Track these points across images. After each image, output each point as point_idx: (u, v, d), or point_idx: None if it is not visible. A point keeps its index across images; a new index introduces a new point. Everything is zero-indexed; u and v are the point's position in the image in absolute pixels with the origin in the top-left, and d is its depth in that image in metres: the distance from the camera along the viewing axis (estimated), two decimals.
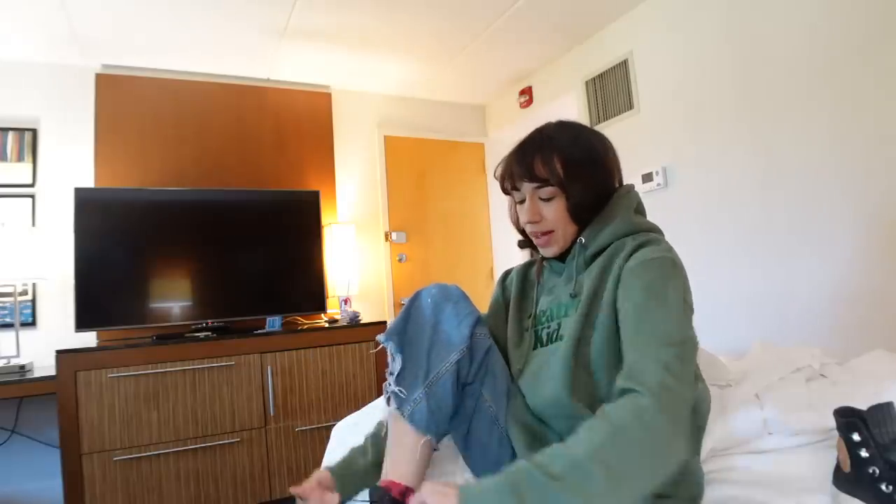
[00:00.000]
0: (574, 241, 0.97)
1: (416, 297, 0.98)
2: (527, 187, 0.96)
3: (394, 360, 0.93)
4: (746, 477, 0.91)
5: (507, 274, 1.17)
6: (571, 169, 0.93)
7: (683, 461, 0.76)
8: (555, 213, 0.95)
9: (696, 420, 0.92)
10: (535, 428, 0.92)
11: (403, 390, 0.90)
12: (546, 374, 0.91)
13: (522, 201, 0.98)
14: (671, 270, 0.87)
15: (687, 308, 0.85)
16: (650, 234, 0.93)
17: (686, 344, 0.79)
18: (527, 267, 1.14)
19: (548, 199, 0.95)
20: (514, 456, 0.91)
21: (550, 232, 0.96)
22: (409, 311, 0.96)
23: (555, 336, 0.95)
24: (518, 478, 0.65)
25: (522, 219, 0.99)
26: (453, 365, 0.90)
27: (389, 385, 0.92)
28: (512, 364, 1.02)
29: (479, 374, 0.94)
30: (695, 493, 0.86)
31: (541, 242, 0.98)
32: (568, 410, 0.86)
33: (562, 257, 1.01)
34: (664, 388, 0.72)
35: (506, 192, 1.02)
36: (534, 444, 0.89)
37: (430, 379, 0.89)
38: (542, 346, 0.98)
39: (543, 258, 1.06)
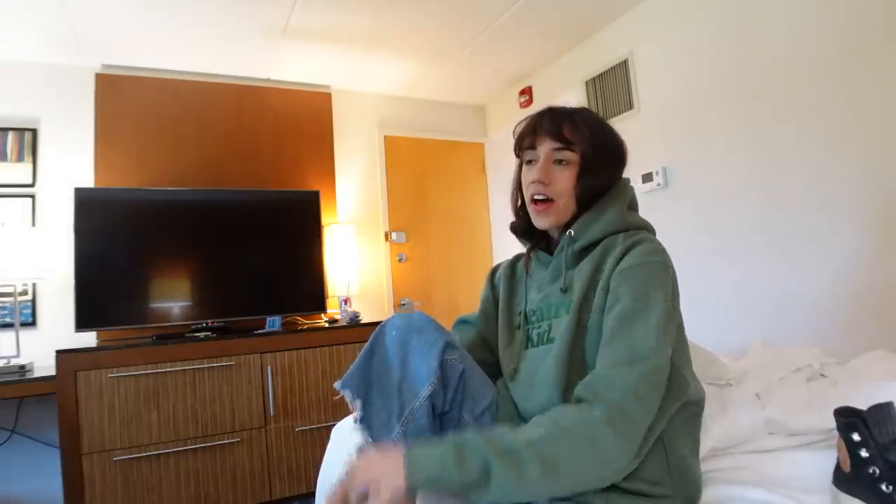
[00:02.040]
0: (567, 223, 0.95)
1: (379, 332, 0.96)
2: (546, 146, 0.94)
3: (353, 406, 0.91)
4: (747, 476, 0.91)
5: (495, 271, 1.16)
6: (597, 145, 0.93)
7: (629, 470, 0.76)
8: (565, 181, 0.93)
9: (694, 420, 0.91)
10: None
11: (377, 433, 0.88)
12: (540, 380, 0.90)
13: (532, 162, 0.96)
14: (661, 275, 0.85)
15: (672, 318, 0.83)
16: (641, 233, 0.91)
17: (659, 369, 0.79)
18: (514, 262, 1.12)
19: (562, 164, 0.93)
20: None
21: (552, 201, 0.94)
22: (374, 349, 0.94)
23: (545, 337, 0.94)
24: (464, 446, 0.69)
25: (530, 177, 0.95)
26: (426, 399, 0.87)
27: (360, 429, 0.90)
28: (504, 365, 1.01)
29: (455, 401, 0.91)
30: (692, 493, 0.86)
31: (539, 209, 0.95)
32: None
33: (550, 249, 1.00)
34: (621, 411, 0.73)
35: (519, 150, 0.99)
36: None
37: (405, 416, 0.87)
38: (532, 346, 0.97)
39: (531, 249, 1.04)
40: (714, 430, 1.02)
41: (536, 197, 0.95)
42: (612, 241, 0.91)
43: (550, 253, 1.00)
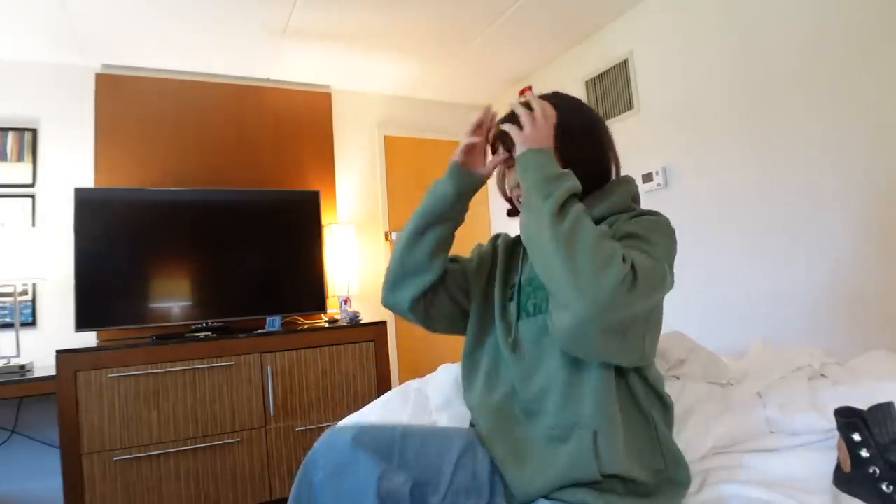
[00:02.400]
0: None
1: (304, 475, 0.88)
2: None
3: None
4: (748, 475, 0.91)
5: (498, 236, 1.17)
6: (568, 132, 0.94)
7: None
8: None
9: (669, 409, 0.94)
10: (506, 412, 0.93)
11: None
12: (548, 351, 0.90)
13: (512, 165, 0.98)
14: (667, 230, 0.89)
15: (670, 267, 0.87)
16: (649, 211, 0.95)
17: (667, 274, 0.84)
18: (516, 239, 1.12)
19: None
20: None
21: None
22: (300, 498, 0.85)
23: (544, 306, 0.94)
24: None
25: (510, 182, 0.99)
26: None
27: None
28: (500, 336, 1.01)
29: None
30: (686, 476, 0.88)
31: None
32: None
33: None
34: (640, 268, 0.78)
35: (494, 151, 1.04)
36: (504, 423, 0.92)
37: None
38: (528, 316, 0.96)
39: None
40: (715, 429, 1.02)
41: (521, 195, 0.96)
42: (616, 219, 0.93)
43: None
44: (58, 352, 2.08)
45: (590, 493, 0.79)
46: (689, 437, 1.05)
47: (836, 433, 0.98)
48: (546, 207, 0.81)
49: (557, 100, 0.99)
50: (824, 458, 0.94)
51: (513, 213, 1.08)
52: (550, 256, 0.79)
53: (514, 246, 1.11)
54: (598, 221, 0.93)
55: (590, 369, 0.85)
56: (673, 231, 0.90)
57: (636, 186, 1.01)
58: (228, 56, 2.82)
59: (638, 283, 0.76)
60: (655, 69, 2.55)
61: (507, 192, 1.06)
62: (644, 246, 0.83)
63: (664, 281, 0.83)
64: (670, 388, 1.21)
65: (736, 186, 2.20)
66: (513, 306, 1.01)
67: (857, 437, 0.83)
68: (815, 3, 1.89)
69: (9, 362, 2.20)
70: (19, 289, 2.42)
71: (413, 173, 3.51)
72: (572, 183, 0.85)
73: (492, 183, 1.13)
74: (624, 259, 0.77)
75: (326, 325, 2.74)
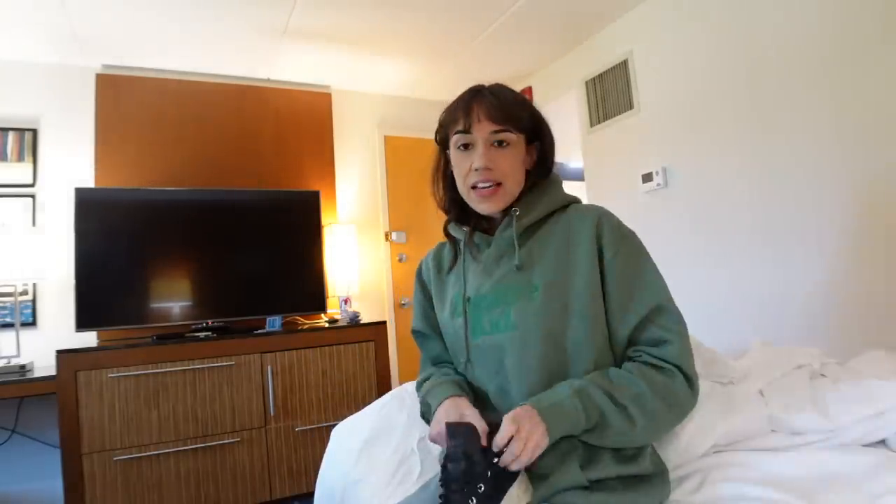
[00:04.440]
0: (511, 204, 0.92)
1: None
2: (483, 129, 0.88)
3: None
4: (749, 474, 0.91)
5: (420, 268, 1.12)
6: (539, 120, 0.94)
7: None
8: (509, 162, 0.89)
9: None
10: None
11: None
12: (515, 368, 0.87)
13: (466, 147, 0.91)
14: (642, 246, 0.92)
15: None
16: (585, 205, 0.95)
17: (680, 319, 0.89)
18: (437, 255, 1.08)
19: (504, 146, 0.89)
20: None
21: (499, 185, 0.89)
22: None
23: (503, 324, 0.88)
24: (589, 403, 0.79)
25: (469, 164, 0.90)
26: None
27: None
28: (456, 358, 0.98)
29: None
30: (665, 469, 0.90)
31: (485, 193, 0.90)
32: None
33: (490, 228, 0.96)
34: (694, 376, 0.86)
35: (446, 139, 0.96)
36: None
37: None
38: (485, 333, 0.90)
39: (472, 232, 0.98)
40: (717, 427, 1.02)
41: (482, 185, 0.90)
42: (563, 219, 0.92)
43: (487, 234, 0.97)
44: (58, 352, 2.08)
45: (580, 494, 0.78)
46: (690, 436, 1.05)
47: (839, 432, 0.99)
48: (617, 430, 0.81)
49: (525, 104, 0.96)
50: (826, 457, 0.94)
51: (450, 220, 1.02)
52: (656, 432, 0.88)
53: (440, 263, 1.05)
54: (542, 218, 0.92)
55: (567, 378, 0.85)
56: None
57: (560, 177, 1.00)
58: (228, 56, 2.82)
59: (691, 379, 0.86)
60: (655, 69, 2.55)
61: (444, 190, 1.00)
62: (651, 281, 0.88)
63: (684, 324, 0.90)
64: None
65: (735, 186, 2.20)
66: (459, 322, 0.95)
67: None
68: (814, 4, 1.89)
69: (9, 362, 2.20)
70: (20, 289, 2.42)
71: (413, 173, 3.51)
72: (593, 407, 0.81)
73: None
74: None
75: (326, 325, 2.74)
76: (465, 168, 0.91)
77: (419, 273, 1.10)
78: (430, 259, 1.09)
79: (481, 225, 0.98)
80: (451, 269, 1.03)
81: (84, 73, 2.70)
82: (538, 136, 0.95)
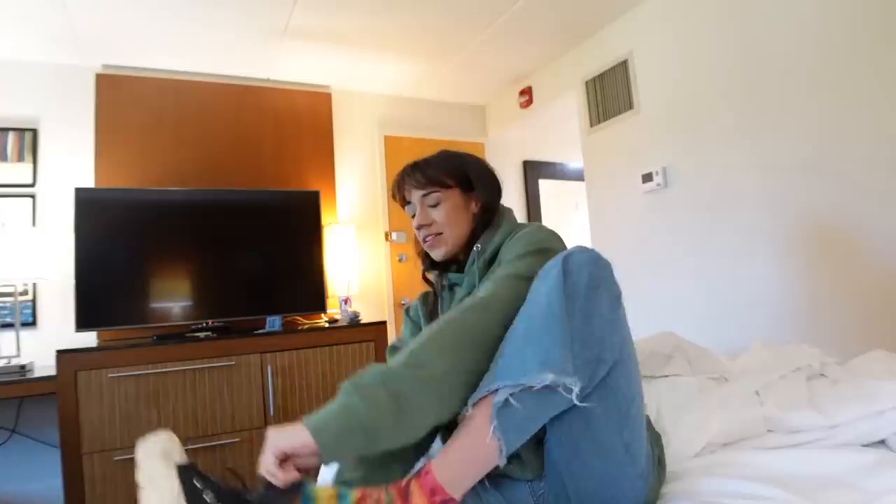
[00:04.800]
0: (463, 246, 1.06)
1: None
2: (415, 196, 1.07)
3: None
4: (744, 473, 0.91)
5: (408, 309, 1.20)
6: (463, 172, 1.07)
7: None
8: (443, 214, 1.05)
9: None
10: None
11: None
12: None
13: (413, 213, 1.08)
14: (540, 235, 0.96)
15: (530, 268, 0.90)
16: (527, 225, 1.03)
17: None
18: (424, 298, 1.18)
19: (434, 206, 1.06)
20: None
21: (439, 234, 1.06)
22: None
23: None
24: (364, 381, 0.82)
25: (415, 224, 1.08)
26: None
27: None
28: None
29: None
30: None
31: (430, 244, 1.07)
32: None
33: (461, 268, 1.08)
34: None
35: (402, 206, 1.12)
36: None
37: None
38: None
39: (441, 274, 1.11)
40: (712, 426, 1.03)
41: (427, 238, 1.07)
42: (509, 239, 1.01)
43: (461, 272, 1.08)
44: (58, 352, 2.08)
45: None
46: (685, 435, 1.05)
47: (836, 431, 0.99)
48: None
49: (437, 155, 1.09)
50: (822, 456, 0.94)
51: (426, 268, 1.15)
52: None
53: (426, 303, 1.15)
54: (497, 250, 1.01)
55: None
56: (552, 245, 0.96)
57: (512, 211, 1.12)
58: (229, 56, 2.82)
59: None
60: (655, 69, 2.55)
61: (420, 245, 1.12)
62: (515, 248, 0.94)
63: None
64: (658, 389, 1.21)
65: (735, 186, 2.20)
66: None
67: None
68: (814, 4, 1.89)
69: (9, 362, 2.20)
70: (20, 289, 2.42)
71: None
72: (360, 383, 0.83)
73: None
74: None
75: (326, 325, 2.74)
76: (415, 228, 1.10)
77: (407, 311, 1.20)
78: (418, 303, 1.19)
79: (451, 268, 1.12)
80: (432, 310, 1.14)
81: (84, 73, 2.70)
82: (473, 184, 1.08)
